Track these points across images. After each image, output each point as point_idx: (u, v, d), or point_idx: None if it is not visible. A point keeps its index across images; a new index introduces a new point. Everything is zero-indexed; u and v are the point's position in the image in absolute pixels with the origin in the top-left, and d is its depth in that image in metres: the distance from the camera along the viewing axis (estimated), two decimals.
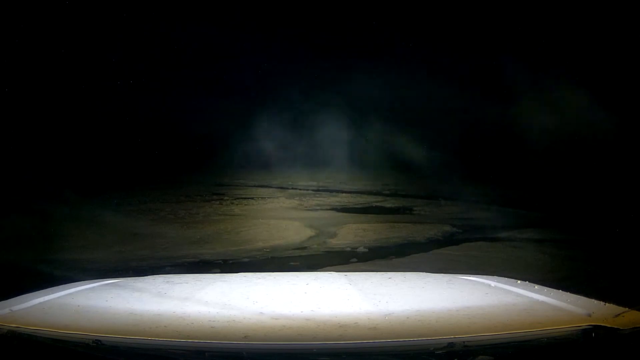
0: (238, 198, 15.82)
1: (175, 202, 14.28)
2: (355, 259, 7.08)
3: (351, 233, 9.26)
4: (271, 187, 19.75)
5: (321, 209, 13.30)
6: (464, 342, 1.20)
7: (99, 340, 1.20)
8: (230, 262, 7.06)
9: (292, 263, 7.03)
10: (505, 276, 2.11)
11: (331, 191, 18.32)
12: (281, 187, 19.57)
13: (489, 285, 1.88)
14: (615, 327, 1.26)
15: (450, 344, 1.19)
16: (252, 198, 15.98)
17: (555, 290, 1.76)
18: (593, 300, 1.58)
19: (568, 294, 1.70)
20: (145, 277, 2.17)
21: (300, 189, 19.21)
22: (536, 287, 1.82)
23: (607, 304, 1.52)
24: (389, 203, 14.92)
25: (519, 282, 1.93)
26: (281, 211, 12.90)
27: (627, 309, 1.44)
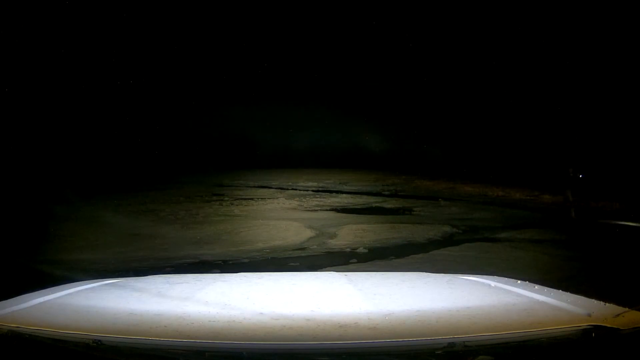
0: (238, 199, 15.83)
1: (175, 203, 14.29)
2: (355, 260, 7.07)
3: (351, 234, 9.24)
4: (271, 187, 19.77)
5: (321, 210, 13.31)
6: (464, 342, 1.20)
7: (99, 340, 1.20)
8: (230, 262, 7.05)
9: (292, 264, 7.02)
10: (505, 276, 2.11)
11: (331, 192, 18.33)
12: (281, 188, 19.58)
13: (489, 285, 1.88)
14: (615, 327, 1.26)
15: (450, 344, 1.19)
16: (252, 199, 15.99)
17: (555, 290, 1.75)
18: (593, 300, 1.58)
19: (568, 294, 1.69)
20: (145, 277, 2.16)
21: (300, 190, 19.23)
22: (536, 287, 1.81)
23: (607, 304, 1.51)
24: (389, 204, 14.92)
25: (519, 282, 1.93)
26: (281, 212, 12.89)
27: (627, 309, 1.43)
